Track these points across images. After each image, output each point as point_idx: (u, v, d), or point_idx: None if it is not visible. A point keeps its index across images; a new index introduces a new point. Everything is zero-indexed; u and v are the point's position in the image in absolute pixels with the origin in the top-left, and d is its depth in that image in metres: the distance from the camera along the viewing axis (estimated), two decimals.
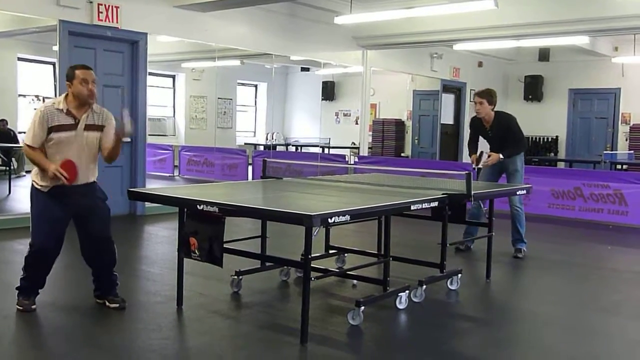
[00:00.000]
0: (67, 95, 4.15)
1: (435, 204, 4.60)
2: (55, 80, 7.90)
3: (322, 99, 14.41)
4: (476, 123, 6.80)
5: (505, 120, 6.61)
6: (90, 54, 7.89)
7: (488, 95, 6.56)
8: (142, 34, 8.27)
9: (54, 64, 8.60)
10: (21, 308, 4.21)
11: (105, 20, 7.78)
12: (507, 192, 6.11)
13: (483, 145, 6.85)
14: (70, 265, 5.20)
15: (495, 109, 6.59)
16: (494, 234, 5.66)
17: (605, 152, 13.25)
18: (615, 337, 4.31)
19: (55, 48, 7.60)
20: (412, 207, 4.33)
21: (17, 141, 10.44)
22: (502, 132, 6.54)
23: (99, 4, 7.69)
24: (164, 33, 8.95)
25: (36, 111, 4.07)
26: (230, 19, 9.47)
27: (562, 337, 4.20)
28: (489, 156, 6.52)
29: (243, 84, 14.95)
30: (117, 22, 7.91)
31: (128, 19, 8.03)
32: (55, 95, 7.78)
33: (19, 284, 4.27)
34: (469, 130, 7.02)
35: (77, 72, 4.13)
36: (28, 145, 4.07)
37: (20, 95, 11.21)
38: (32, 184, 4.20)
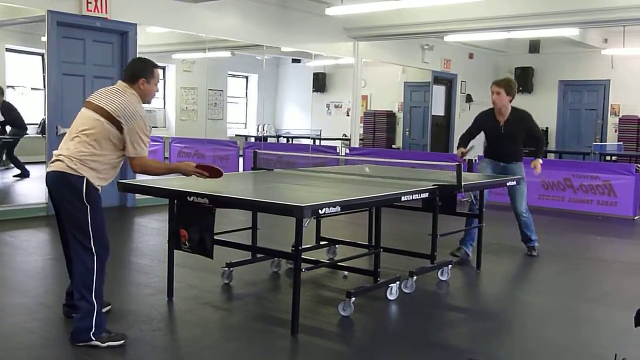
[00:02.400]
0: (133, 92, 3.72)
1: (426, 195, 4.61)
2: (44, 72, 7.84)
3: (313, 91, 14.37)
4: (485, 117, 6.25)
5: (523, 116, 6.14)
6: (79, 44, 7.85)
7: (507, 85, 6.00)
8: (132, 24, 8.21)
9: (42, 55, 8.54)
10: (115, 343, 3.54)
11: (94, 11, 7.72)
12: (497, 183, 6.12)
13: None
14: (58, 258, 5.18)
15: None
16: (484, 225, 5.69)
17: (594, 143, 13.32)
18: (603, 325, 4.35)
19: (44, 39, 7.54)
20: (403, 199, 4.34)
21: (4, 132, 10.35)
22: (518, 129, 6.08)
23: None
24: (154, 24, 8.90)
25: (141, 123, 3.58)
26: (221, 10, 9.42)
27: (551, 326, 4.23)
28: (534, 166, 6.27)
29: (234, 76, 14.89)
30: (106, 13, 7.85)
31: (117, 9, 7.97)
32: (44, 87, 7.73)
33: (92, 323, 3.49)
34: (471, 124, 6.46)
35: (156, 71, 3.81)
36: (145, 156, 3.61)
37: (9, 86, 11.12)
38: (85, 182, 3.53)
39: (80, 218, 3.52)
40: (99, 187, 3.62)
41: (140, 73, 3.74)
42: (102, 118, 3.56)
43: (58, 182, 3.57)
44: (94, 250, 3.53)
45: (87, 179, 3.53)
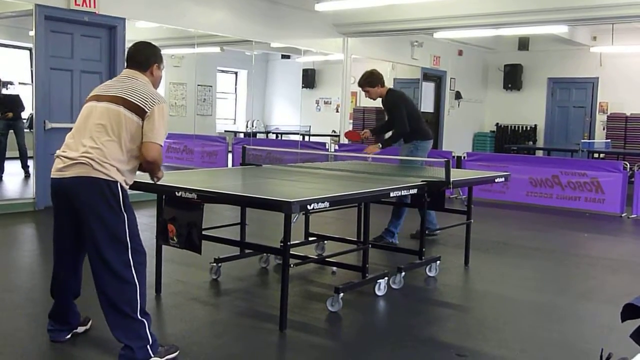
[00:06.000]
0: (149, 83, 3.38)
1: (415, 191, 4.62)
2: (31, 66, 7.78)
3: (303, 87, 14.35)
4: None
5: (390, 98, 6.32)
6: (67, 39, 7.78)
7: (366, 82, 6.25)
8: (120, 19, 8.16)
9: (30, 50, 8.47)
10: (172, 356, 3.30)
11: (82, 5, 7.67)
12: (485, 180, 6.13)
13: None
14: (46, 253, 5.15)
15: (388, 87, 6.36)
16: (472, 221, 5.71)
17: (582, 140, 13.40)
18: (589, 321, 4.38)
19: (32, 33, 7.48)
20: (391, 195, 4.34)
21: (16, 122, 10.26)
22: (386, 106, 6.34)
23: None
24: (142, 19, 8.85)
25: (165, 108, 3.22)
26: (210, 5, 9.39)
27: (538, 322, 4.26)
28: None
29: (223, 71, 14.86)
30: (94, 7, 7.80)
31: (106, 4, 7.91)
32: (32, 82, 7.67)
33: (147, 340, 3.18)
34: None
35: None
36: (161, 146, 3.21)
37: None
38: (118, 184, 3.14)
39: (117, 230, 3.12)
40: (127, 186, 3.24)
41: (152, 57, 3.41)
42: (122, 108, 3.13)
43: (88, 190, 3.09)
44: (132, 263, 3.14)
45: (120, 183, 3.13)
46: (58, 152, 3.23)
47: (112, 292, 3.15)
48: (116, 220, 3.13)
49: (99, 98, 3.25)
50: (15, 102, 10.00)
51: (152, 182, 3.51)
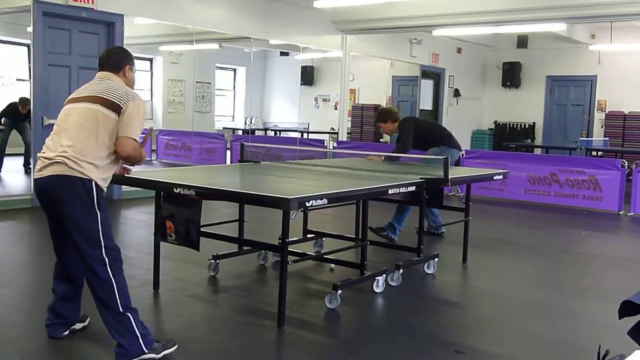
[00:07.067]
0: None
1: (413, 188, 4.62)
2: (29, 62, 7.76)
3: (301, 84, 14.34)
4: None
5: (400, 127, 6.52)
6: (65, 35, 7.77)
7: (377, 119, 6.64)
8: (119, 15, 8.14)
9: (28, 46, 8.46)
10: (170, 350, 3.34)
11: (80, 1, 7.65)
12: (484, 177, 6.13)
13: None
14: (44, 250, 5.14)
15: (401, 117, 6.56)
16: (470, 218, 5.71)
17: (581, 138, 13.41)
18: (585, 319, 4.39)
19: (30, 29, 7.46)
20: (390, 192, 4.34)
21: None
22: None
23: None
24: (141, 15, 8.83)
25: (140, 104, 3.28)
26: (209, 1, 9.37)
27: (535, 319, 4.26)
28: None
29: (222, 68, 14.84)
30: (92, 3, 7.78)
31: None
32: (30, 78, 7.66)
33: (136, 335, 3.20)
34: None
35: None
36: (136, 141, 3.25)
37: None
38: (93, 182, 3.15)
39: (90, 228, 3.16)
40: (104, 190, 3.27)
41: (124, 60, 3.50)
42: (99, 106, 3.19)
43: (63, 188, 3.13)
44: (107, 261, 3.18)
45: (94, 182, 3.16)
46: (39, 154, 3.30)
47: (95, 287, 3.23)
48: (89, 218, 3.17)
49: (76, 100, 3.33)
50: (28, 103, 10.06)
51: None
